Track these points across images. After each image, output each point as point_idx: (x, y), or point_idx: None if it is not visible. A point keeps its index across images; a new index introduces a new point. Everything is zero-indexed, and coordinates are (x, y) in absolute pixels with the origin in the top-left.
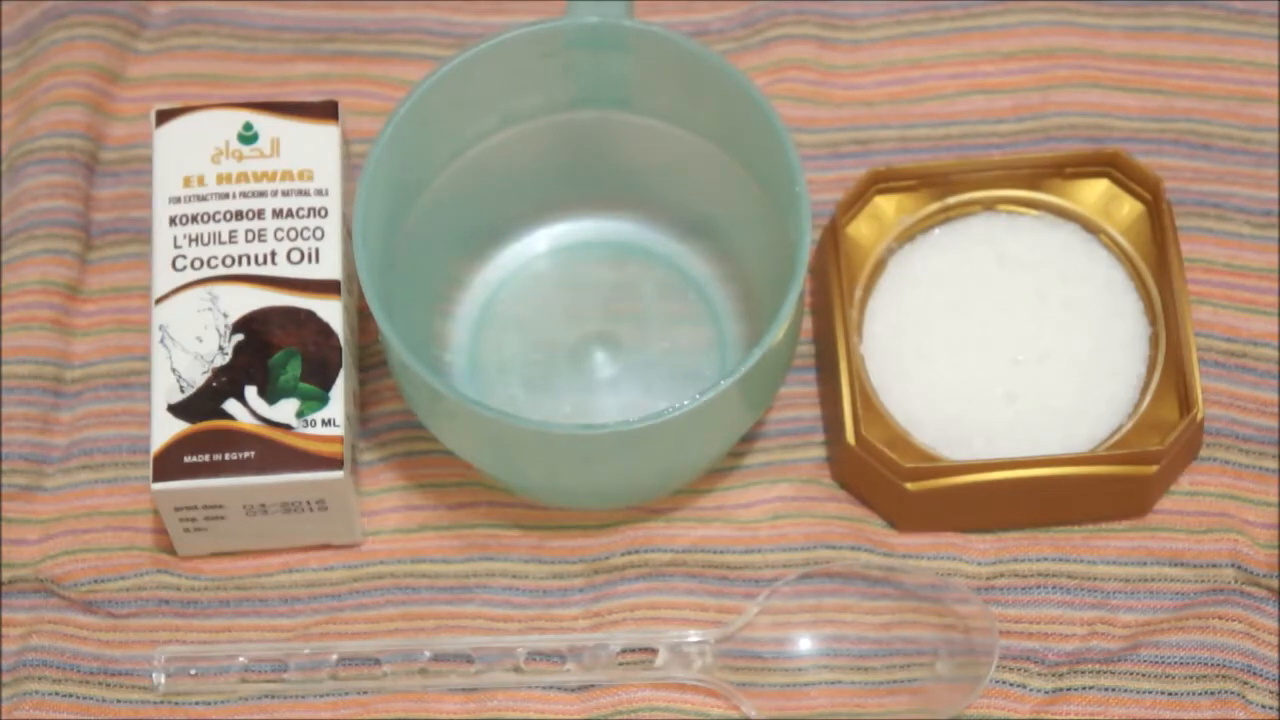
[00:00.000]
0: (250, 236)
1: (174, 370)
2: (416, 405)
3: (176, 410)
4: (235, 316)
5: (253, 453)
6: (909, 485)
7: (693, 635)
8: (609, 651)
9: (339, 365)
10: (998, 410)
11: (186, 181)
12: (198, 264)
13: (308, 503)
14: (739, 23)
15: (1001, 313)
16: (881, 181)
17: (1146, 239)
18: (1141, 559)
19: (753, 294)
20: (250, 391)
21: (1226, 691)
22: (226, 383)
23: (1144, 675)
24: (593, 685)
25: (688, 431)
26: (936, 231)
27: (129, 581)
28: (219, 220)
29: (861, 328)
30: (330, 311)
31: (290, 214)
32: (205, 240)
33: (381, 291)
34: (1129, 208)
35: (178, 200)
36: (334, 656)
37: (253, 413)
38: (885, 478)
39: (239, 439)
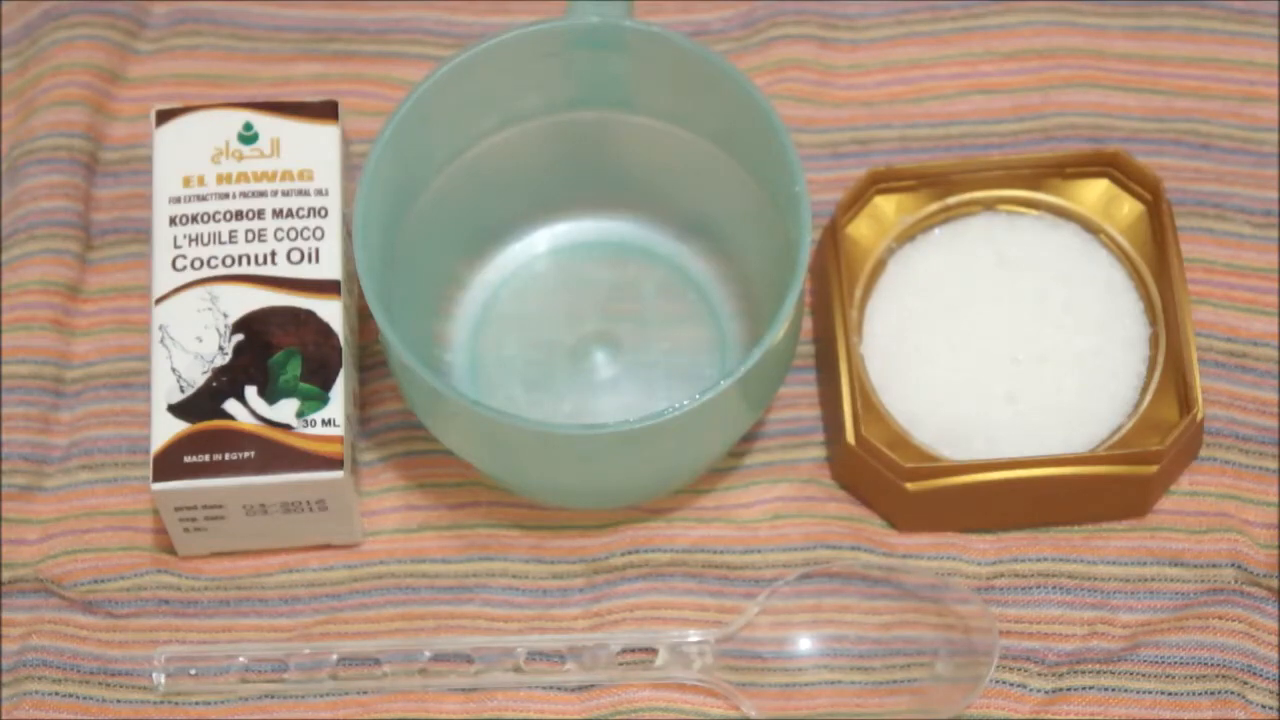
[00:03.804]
0: (250, 236)
1: (174, 370)
2: (416, 405)
3: (176, 410)
4: (235, 316)
5: (253, 453)
6: (909, 485)
7: (693, 635)
8: (609, 651)
9: (339, 365)
10: (998, 410)
11: (186, 181)
12: (198, 264)
13: (308, 503)
14: (739, 23)
15: (1001, 313)
16: (881, 181)
17: (1146, 239)
18: (1141, 559)
19: (753, 294)
20: (250, 391)
21: (1226, 691)
22: (226, 383)
23: (1144, 675)
24: (593, 685)
25: (688, 431)
26: (936, 231)
27: (129, 581)
28: (219, 220)
29: (861, 328)
30: (330, 311)
31: (290, 214)
32: (205, 240)
33: (381, 291)
34: (1129, 208)
35: (178, 200)
36: (334, 656)
37: (253, 413)
38: (885, 478)
39: (239, 439)
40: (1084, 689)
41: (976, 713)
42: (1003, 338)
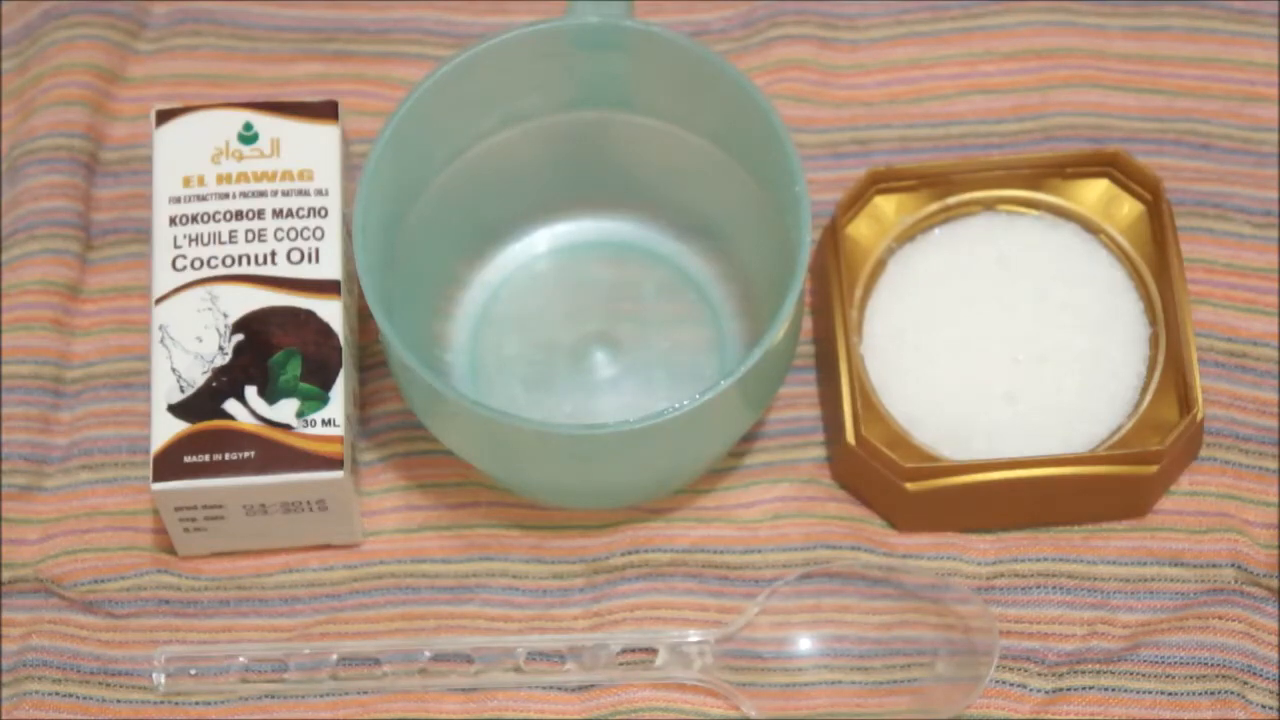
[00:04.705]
0: (250, 236)
1: (174, 370)
2: (416, 405)
3: (176, 410)
4: (235, 316)
5: (253, 453)
6: (909, 485)
7: (693, 635)
8: (609, 651)
9: (339, 365)
10: (998, 410)
11: (186, 181)
12: (198, 264)
13: (308, 503)
14: (739, 23)
15: (1001, 313)
16: (881, 181)
17: (1146, 239)
18: (1141, 559)
19: (753, 294)
20: (250, 391)
21: (1226, 691)
22: (226, 383)
23: (1144, 675)
24: (593, 685)
25: (688, 431)
26: (936, 231)
27: (129, 581)
28: (219, 220)
29: (861, 328)
30: (330, 311)
31: (290, 214)
32: (205, 240)
33: (381, 291)
34: (1129, 208)
35: (178, 200)
36: (334, 656)
37: (253, 413)
38: (885, 478)
39: (239, 439)
40: (1084, 689)
41: (976, 713)
42: (1003, 338)
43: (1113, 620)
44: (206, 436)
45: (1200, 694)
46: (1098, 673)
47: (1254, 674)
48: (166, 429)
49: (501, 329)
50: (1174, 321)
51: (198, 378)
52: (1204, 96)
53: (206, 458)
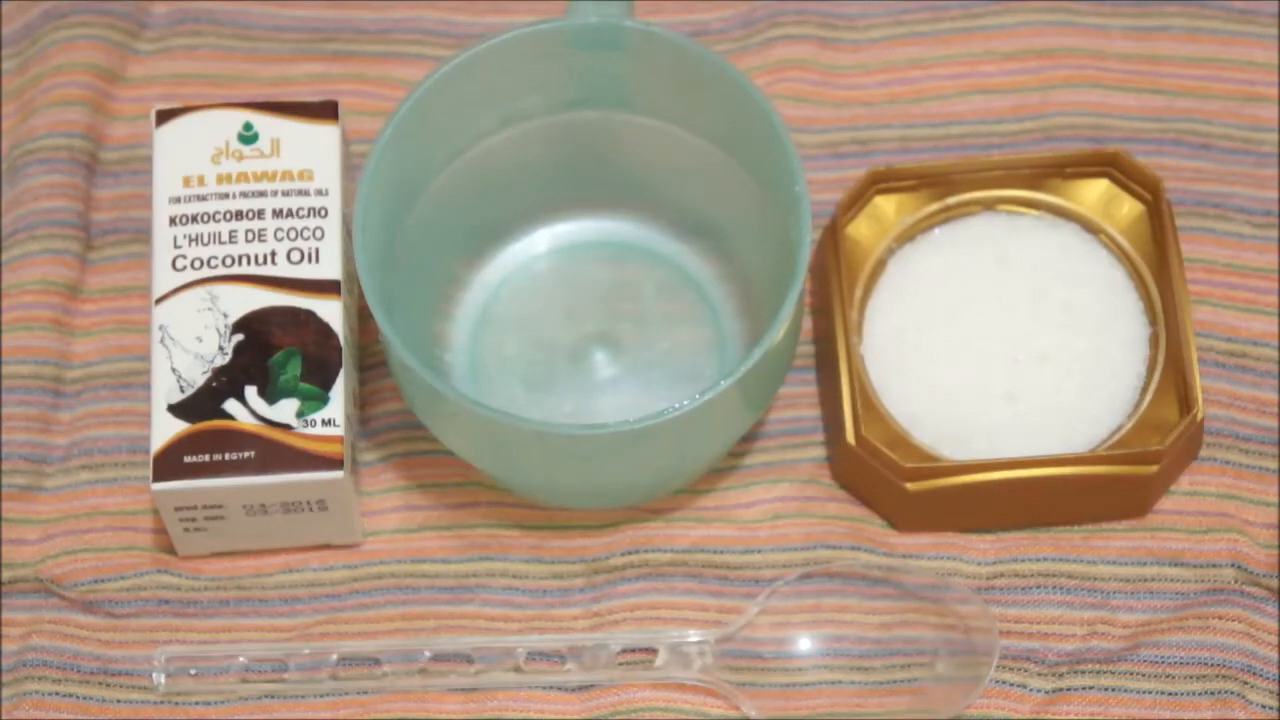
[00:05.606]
0: (250, 236)
1: (174, 370)
2: (416, 405)
3: (176, 410)
4: (235, 316)
5: (253, 453)
6: (909, 485)
7: (693, 635)
8: (609, 651)
9: (339, 365)
10: (998, 410)
11: (186, 181)
12: (198, 264)
13: (308, 503)
14: (739, 23)
15: (1001, 313)
16: (881, 181)
17: (1146, 239)
18: (1141, 559)
19: (753, 294)
20: (250, 391)
21: (1226, 691)
22: (226, 383)
23: (1144, 675)
24: (593, 685)
25: (688, 431)
26: (936, 231)
27: (129, 581)
28: (219, 220)
29: (861, 328)
30: (330, 311)
31: (290, 214)
32: (205, 240)
33: (381, 291)
34: (1129, 208)
35: (178, 200)
36: (334, 656)
37: (253, 413)
38: (885, 478)
39: (239, 439)
40: (1084, 689)
41: (976, 713)
42: (1003, 338)
43: (1113, 620)
44: (206, 436)
45: (1200, 694)
46: (1098, 673)
47: (1254, 674)
48: (166, 429)
49: (501, 329)
50: (1174, 321)
51: (198, 378)
52: (1204, 96)
53: (206, 458)
